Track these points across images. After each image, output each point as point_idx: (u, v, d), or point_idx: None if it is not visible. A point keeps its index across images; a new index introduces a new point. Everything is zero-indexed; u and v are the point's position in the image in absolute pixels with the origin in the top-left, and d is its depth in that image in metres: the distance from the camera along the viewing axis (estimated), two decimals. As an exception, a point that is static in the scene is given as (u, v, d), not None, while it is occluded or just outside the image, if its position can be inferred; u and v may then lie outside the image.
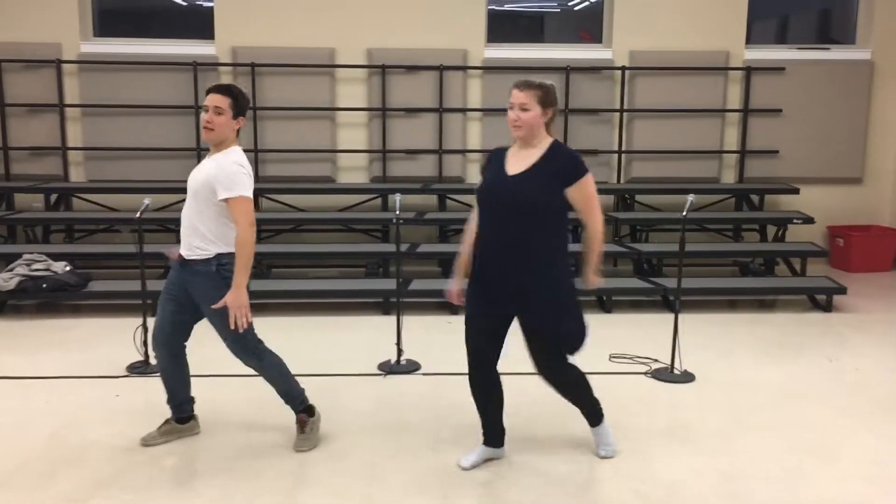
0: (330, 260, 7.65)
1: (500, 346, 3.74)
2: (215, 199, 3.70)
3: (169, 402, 4.12)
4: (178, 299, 3.90)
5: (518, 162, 3.62)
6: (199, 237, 3.76)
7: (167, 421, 4.13)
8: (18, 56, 7.66)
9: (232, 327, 3.69)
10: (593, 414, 3.95)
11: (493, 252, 3.56)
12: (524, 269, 3.52)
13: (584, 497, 3.58)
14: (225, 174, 3.70)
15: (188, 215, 3.81)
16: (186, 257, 3.81)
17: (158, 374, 4.12)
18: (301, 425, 4.04)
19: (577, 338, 3.65)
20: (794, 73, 8.14)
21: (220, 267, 3.74)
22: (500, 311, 3.65)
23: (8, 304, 6.48)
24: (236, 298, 3.65)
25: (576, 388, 3.86)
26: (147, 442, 4.05)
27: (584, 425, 4.29)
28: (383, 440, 4.15)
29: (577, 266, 3.77)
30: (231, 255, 3.72)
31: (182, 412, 4.14)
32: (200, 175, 3.80)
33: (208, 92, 3.82)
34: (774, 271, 7.70)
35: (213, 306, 3.70)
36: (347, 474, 3.77)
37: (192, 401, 4.18)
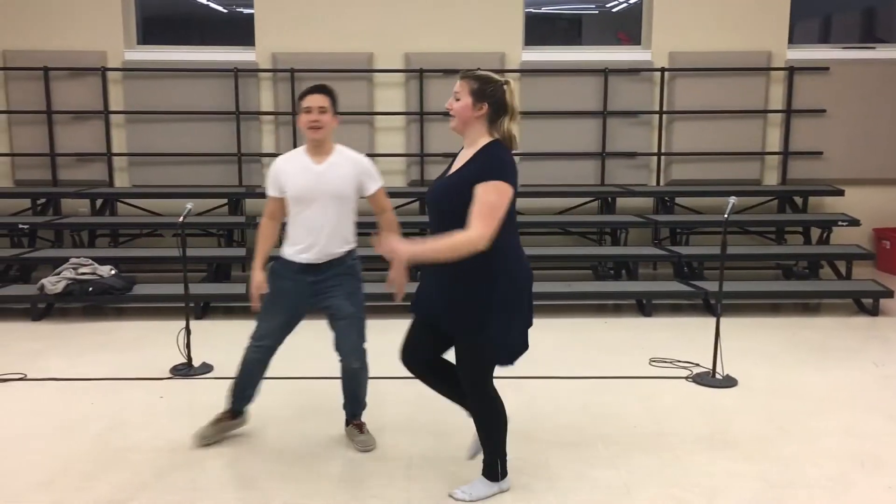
0: (367, 263, 7.66)
1: (439, 347, 3.64)
2: (356, 198, 3.96)
3: (234, 393, 4.16)
4: (296, 309, 4.04)
5: (457, 162, 3.43)
6: (341, 240, 3.99)
7: (221, 417, 4.17)
8: (65, 64, 7.83)
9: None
10: (491, 466, 3.55)
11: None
12: (441, 275, 3.35)
13: (623, 501, 3.55)
14: (366, 167, 4.00)
15: (329, 222, 3.92)
16: (327, 260, 3.96)
17: (240, 367, 4.14)
18: (359, 427, 4.16)
19: (491, 352, 3.39)
20: (838, 72, 7.99)
21: (354, 262, 4.07)
22: (428, 314, 3.57)
23: (55, 307, 6.62)
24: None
25: (488, 425, 3.51)
26: (205, 440, 4.09)
27: (621, 429, 4.26)
28: (421, 443, 4.16)
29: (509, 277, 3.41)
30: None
31: (242, 404, 4.18)
32: (336, 179, 3.90)
33: (307, 93, 3.85)
34: (819, 274, 7.56)
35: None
36: (387, 476, 3.79)
37: (252, 397, 4.23)
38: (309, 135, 3.84)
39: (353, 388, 4.16)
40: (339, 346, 4.05)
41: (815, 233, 7.81)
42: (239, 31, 8.13)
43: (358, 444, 4.09)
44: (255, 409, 4.60)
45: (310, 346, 5.77)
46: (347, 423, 4.23)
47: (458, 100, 3.41)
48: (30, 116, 7.93)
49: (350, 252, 4.05)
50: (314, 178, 3.86)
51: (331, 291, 3.98)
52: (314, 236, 3.89)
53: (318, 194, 3.86)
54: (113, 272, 6.63)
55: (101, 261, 6.75)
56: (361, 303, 4.09)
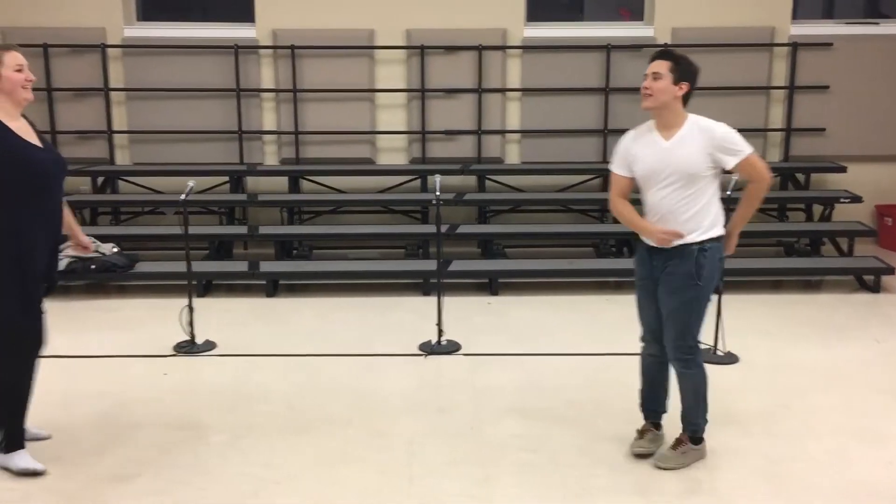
0: (370, 241, 7.69)
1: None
2: (712, 176, 3.49)
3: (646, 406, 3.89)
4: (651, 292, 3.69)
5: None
6: (686, 225, 3.52)
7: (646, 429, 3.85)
8: (64, 41, 7.78)
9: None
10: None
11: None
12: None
13: (625, 477, 3.58)
14: (719, 138, 3.48)
15: (669, 203, 3.53)
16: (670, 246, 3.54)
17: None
18: (677, 443, 3.72)
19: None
20: (842, 48, 7.94)
21: (704, 252, 3.53)
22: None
23: (57, 284, 6.62)
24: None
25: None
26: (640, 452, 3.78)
27: (623, 406, 4.29)
28: (424, 419, 4.18)
29: None
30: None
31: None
32: (683, 155, 3.47)
33: (650, 61, 3.56)
34: (820, 251, 7.55)
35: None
36: (388, 452, 3.81)
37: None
38: (642, 103, 3.54)
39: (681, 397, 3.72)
40: (665, 342, 3.68)
41: (818, 209, 7.79)
42: (239, 7, 8.06)
43: (657, 456, 3.73)
44: (260, 384, 4.64)
45: (308, 323, 5.81)
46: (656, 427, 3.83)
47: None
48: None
49: (699, 247, 3.51)
50: (659, 155, 3.51)
51: (663, 280, 3.58)
52: (657, 217, 3.57)
53: (659, 174, 3.51)
54: (115, 250, 6.64)
55: (104, 239, 6.74)
56: (693, 299, 3.54)
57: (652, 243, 3.58)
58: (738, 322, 5.59)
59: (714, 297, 5.12)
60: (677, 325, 3.58)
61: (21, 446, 3.66)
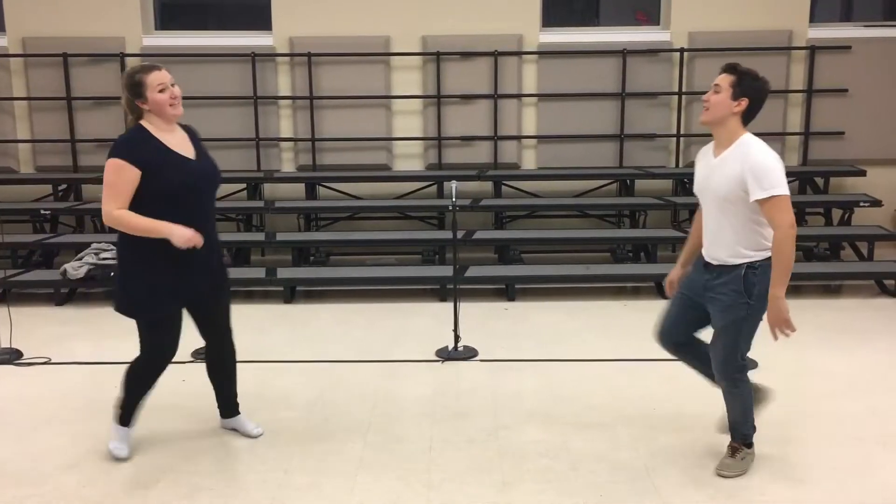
0: (386, 247, 7.70)
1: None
2: (748, 202, 3.30)
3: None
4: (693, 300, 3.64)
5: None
6: (726, 249, 3.43)
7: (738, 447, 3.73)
8: (84, 50, 7.86)
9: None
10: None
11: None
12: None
13: (644, 483, 3.56)
14: (752, 166, 3.29)
15: (713, 224, 3.47)
16: (717, 264, 3.48)
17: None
18: (734, 451, 3.69)
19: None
20: (861, 51, 7.88)
21: (752, 277, 3.41)
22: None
23: (77, 291, 6.69)
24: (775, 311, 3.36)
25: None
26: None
27: (642, 411, 4.27)
28: (442, 425, 4.18)
29: None
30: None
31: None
32: (721, 177, 3.37)
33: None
34: (840, 256, 7.49)
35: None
36: (407, 459, 3.81)
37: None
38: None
39: (728, 411, 3.70)
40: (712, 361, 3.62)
41: (837, 214, 7.74)
42: (256, 15, 8.12)
43: (719, 465, 3.68)
44: (279, 390, 4.65)
45: (326, 329, 5.83)
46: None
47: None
48: (50, 103, 7.98)
49: (748, 265, 3.39)
50: (706, 172, 3.45)
51: (711, 299, 3.52)
52: (708, 235, 3.50)
53: (705, 191, 3.46)
54: (134, 257, 6.67)
55: (123, 246, 6.80)
56: (743, 318, 3.47)
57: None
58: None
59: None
60: (727, 345, 3.51)
61: (126, 424, 3.87)
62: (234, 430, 4.10)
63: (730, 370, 3.56)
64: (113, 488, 3.57)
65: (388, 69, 7.97)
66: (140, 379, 3.85)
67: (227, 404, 4.13)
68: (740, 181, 3.30)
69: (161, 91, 3.56)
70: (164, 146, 3.58)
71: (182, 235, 3.48)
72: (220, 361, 4.03)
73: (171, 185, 3.54)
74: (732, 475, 3.63)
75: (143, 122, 3.62)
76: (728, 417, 3.72)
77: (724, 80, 3.40)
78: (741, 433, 3.70)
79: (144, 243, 3.54)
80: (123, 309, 3.74)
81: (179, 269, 3.61)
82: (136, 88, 3.57)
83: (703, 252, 3.56)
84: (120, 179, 3.49)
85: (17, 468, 3.75)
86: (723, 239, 3.42)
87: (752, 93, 3.40)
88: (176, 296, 3.69)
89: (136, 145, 3.55)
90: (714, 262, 3.48)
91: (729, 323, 3.48)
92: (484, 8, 7.86)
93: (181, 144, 3.65)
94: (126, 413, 3.87)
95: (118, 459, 3.80)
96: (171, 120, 3.63)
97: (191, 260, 3.59)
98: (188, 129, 3.78)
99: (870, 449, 3.87)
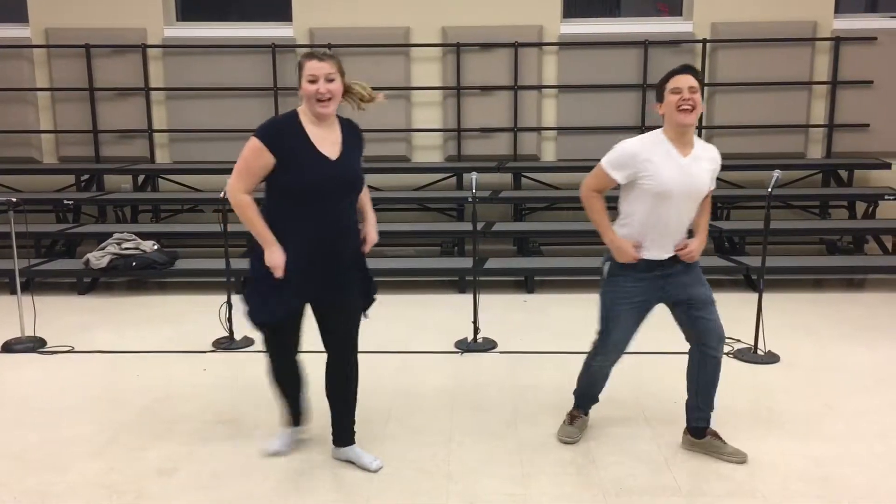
0: (406, 239, 7.71)
1: None
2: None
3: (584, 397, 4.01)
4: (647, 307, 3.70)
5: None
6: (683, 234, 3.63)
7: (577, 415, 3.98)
8: (106, 41, 7.91)
9: None
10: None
11: None
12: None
13: (665, 476, 3.55)
14: (718, 160, 3.63)
15: (682, 220, 3.59)
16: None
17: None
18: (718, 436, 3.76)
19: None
20: (886, 42, 7.78)
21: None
22: None
23: (100, 281, 6.75)
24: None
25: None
26: (572, 439, 3.89)
27: (662, 405, 4.25)
28: (462, 417, 4.18)
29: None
30: None
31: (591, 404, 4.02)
32: (700, 174, 3.53)
33: (676, 73, 3.50)
34: (864, 249, 7.42)
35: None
36: (426, 450, 3.82)
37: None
38: (679, 119, 3.45)
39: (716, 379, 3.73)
40: (710, 334, 3.64)
41: (861, 207, 7.65)
42: (277, 6, 8.13)
43: (731, 457, 3.68)
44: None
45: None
46: (701, 433, 3.76)
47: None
48: (72, 94, 8.04)
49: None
50: (678, 171, 3.48)
51: (683, 279, 3.63)
52: (662, 231, 3.56)
53: (686, 189, 3.52)
54: (155, 247, 6.73)
55: (144, 236, 6.85)
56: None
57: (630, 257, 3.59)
58: (779, 321, 5.51)
59: (754, 296, 5.07)
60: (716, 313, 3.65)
61: (286, 424, 3.85)
62: (350, 461, 3.69)
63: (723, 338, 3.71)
64: (136, 475, 3.60)
65: (407, 60, 7.96)
66: (274, 380, 3.75)
67: (338, 431, 3.72)
68: (711, 175, 3.59)
69: (310, 82, 3.31)
70: (308, 139, 3.34)
71: (271, 258, 3.32)
72: (332, 379, 3.67)
73: (298, 181, 3.31)
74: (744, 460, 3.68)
75: (300, 109, 3.41)
76: (710, 396, 3.72)
77: (696, 83, 3.48)
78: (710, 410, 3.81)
79: (261, 249, 3.38)
80: (246, 312, 3.55)
81: (292, 280, 3.37)
82: (297, 71, 3.39)
83: (657, 253, 3.58)
84: (253, 160, 3.31)
85: (41, 456, 3.79)
86: (683, 231, 3.61)
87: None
88: (286, 305, 3.45)
89: (280, 130, 3.35)
90: (671, 254, 3.60)
91: (710, 291, 3.66)
92: (504, -1, 7.82)
93: (327, 141, 3.39)
94: (287, 413, 3.83)
95: (270, 454, 3.77)
96: (318, 115, 3.36)
97: (308, 272, 3.38)
98: (348, 125, 3.53)
99: (893, 444, 3.82)
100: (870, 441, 3.87)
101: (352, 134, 3.53)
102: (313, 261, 3.40)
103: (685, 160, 3.50)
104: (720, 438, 3.74)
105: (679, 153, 3.50)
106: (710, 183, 3.61)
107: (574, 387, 4.00)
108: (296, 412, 3.85)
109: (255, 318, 3.51)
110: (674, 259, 3.60)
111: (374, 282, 3.69)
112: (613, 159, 3.58)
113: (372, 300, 3.72)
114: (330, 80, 3.33)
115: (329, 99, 3.33)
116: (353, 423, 3.73)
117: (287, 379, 3.76)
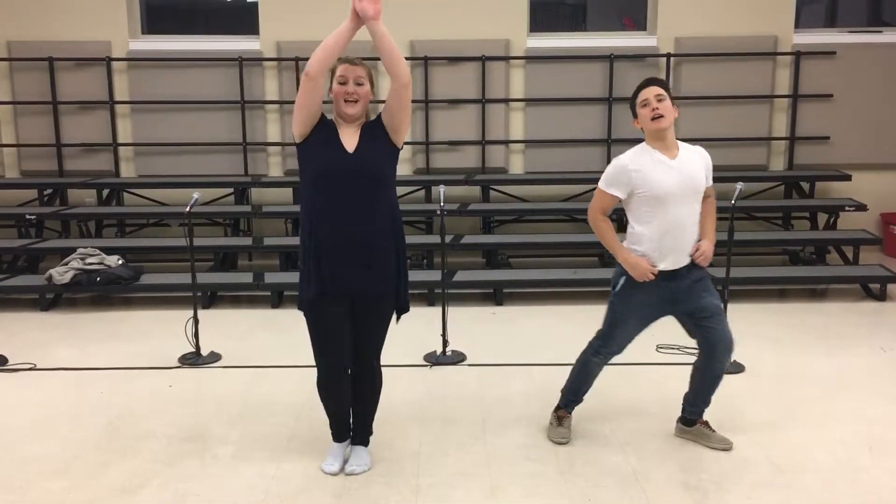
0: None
1: None
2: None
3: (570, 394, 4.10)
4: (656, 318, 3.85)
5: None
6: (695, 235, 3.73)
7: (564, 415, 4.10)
8: (69, 54, 7.83)
9: None
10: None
11: None
12: None
13: (633, 487, 3.57)
14: (709, 158, 3.79)
15: (691, 219, 3.70)
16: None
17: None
18: (709, 426, 3.99)
19: None
20: (845, 57, 7.95)
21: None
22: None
23: (63, 297, 6.64)
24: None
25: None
26: (564, 438, 4.03)
27: (630, 416, 4.28)
28: (431, 430, 4.17)
29: None
30: None
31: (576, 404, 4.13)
32: (694, 173, 3.66)
33: (645, 86, 3.68)
34: (826, 260, 7.55)
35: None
36: (395, 463, 3.80)
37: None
38: (653, 127, 3.62)
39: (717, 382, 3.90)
40: (718, 343, 3.76)
41: (822, 218, 7.79)
42: (243, 19, 8.11)
43: (717, 444, 3.91)
44: (266, 395, 4.63)
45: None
46: (692, 423, 3.99)
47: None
48: (35, 107, 7.94)
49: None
50: (671, 174, 3.62)
51: (694, 289, 3.75)
52: (670, 235, 3.67)
53: (684, 190, 3.64)
54: (120, 262, 6.65)
55: (109, 251, 6.77)
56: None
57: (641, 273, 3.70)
58: (744, 331, 5.58)
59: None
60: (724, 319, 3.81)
61: (335, 439, 3.80)
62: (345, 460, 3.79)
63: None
64: (99, 494, 3.54)
65: (375, 73, 7.90)
66: (320, 392, 3.71)
67: (356, 428, 3.82)
68: (705, 171, 3.74)
69: (340, 83, 3.55)
70: (335, 131, 3.52)
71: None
72: (353, 381, 3.70)
73: (313, 168, 3.46)
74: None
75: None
76: (710, 392, 3.93)
77: (661, 90, 3.66)
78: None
79: (304, 229, 3.49)
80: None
81: (323, 261, 3.45)
82: (330, 76, 3.57)
83: (673, 261, 3.69)
84: (303, 124, 3.51)
85: (2, 474, 3.71)
86: (692, 233, 3.72)
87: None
88: (322, 287, 3.46)
89: (321, 121, 3.54)
90: (686, 262, 3.73)
91: (718, 300, 3.80)
92: (471, 13, 7.88)
93: (351, 134, 3.55)
94: (331, 428, 3.80)
95: (328, 473, 3.70)
96: (344, 115, 3.54)
97: (337, 255, 3.45)
98: (374, 121, 3.68)
99: (855, 452, 3.89)
100: (831, 448, 3.92)
101: (368, 126, 3.63)
102: (337, 244, 3.45)
103: (674, 161, 3.66)
104: (710, 427, 3.95)
105: (666, 156, 3.66)
106: (707, 180, 3.74)
107: (560, 388, 4.11)
108: (343, 426, 3.80)
109: (298, 305, 3.58)
110: (686, 268, 3.72)
111: (407, 292, 3.81)
112: (607, 177, 3.75)
113: (405, 308, 3.80)
114: (359, 84, 3.56)
115: (356, 101, 3.53)
116: (365, 427, 3.83)
117: (332, 389, 3.67)
